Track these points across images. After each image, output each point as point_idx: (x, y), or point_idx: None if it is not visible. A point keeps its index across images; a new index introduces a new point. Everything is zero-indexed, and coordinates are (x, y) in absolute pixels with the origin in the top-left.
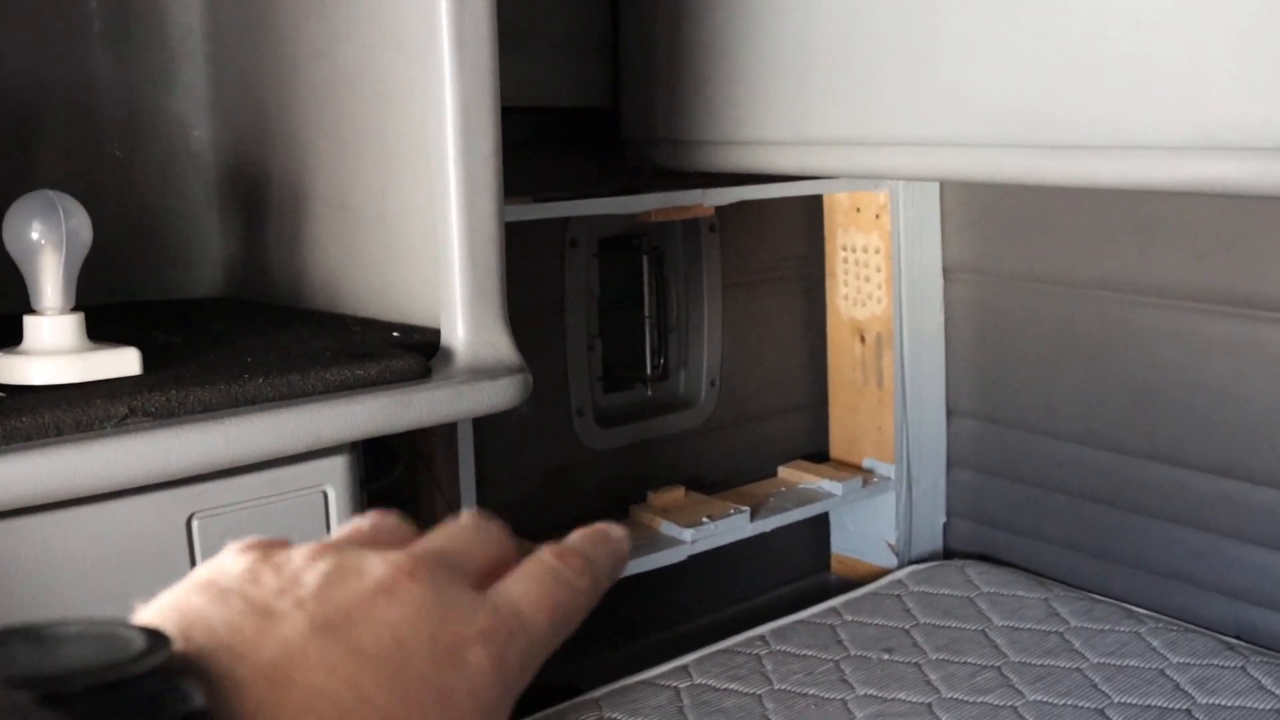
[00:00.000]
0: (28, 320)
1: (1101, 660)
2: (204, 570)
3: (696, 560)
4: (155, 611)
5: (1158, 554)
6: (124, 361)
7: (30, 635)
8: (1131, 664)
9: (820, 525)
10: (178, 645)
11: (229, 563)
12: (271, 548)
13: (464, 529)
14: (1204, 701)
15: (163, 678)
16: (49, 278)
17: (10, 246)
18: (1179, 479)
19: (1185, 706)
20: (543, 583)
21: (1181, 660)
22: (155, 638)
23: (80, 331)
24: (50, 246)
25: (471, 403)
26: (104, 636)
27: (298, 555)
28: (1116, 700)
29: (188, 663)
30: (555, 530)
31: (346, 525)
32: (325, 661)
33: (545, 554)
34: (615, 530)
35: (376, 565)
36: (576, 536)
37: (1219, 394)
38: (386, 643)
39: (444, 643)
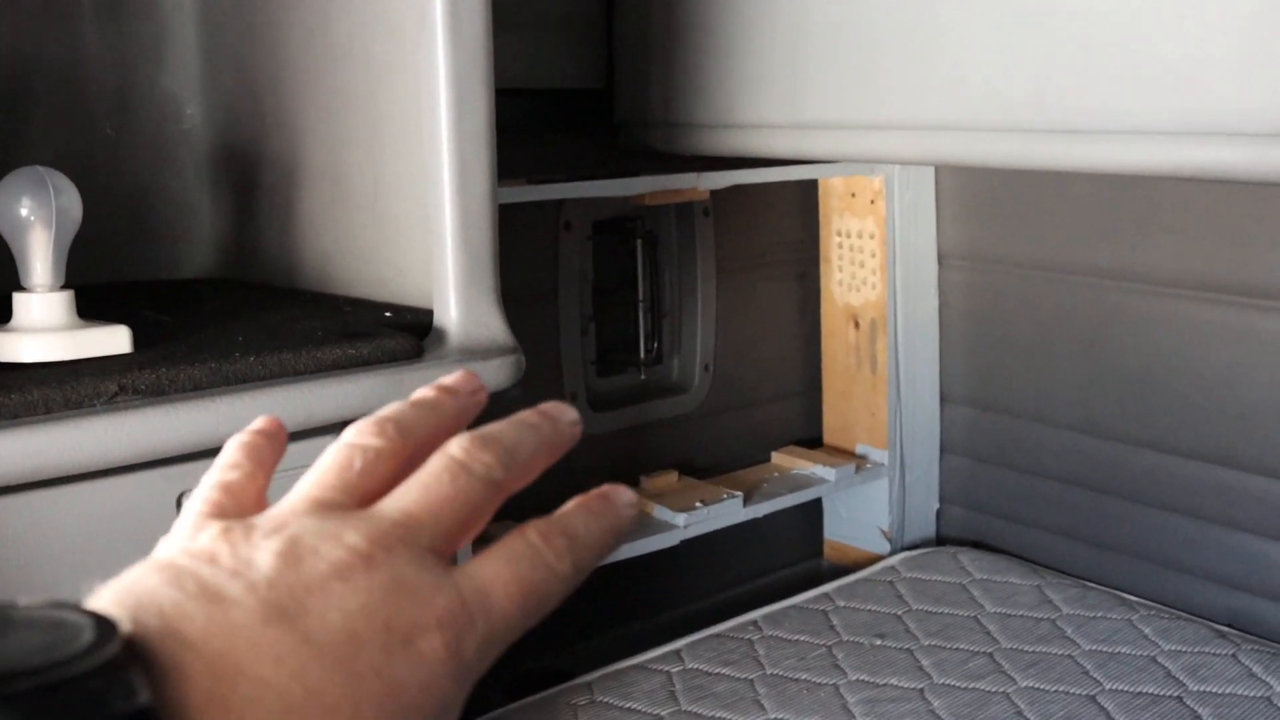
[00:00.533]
0: (17, 297)
1: (1093, 647)
2: (166, 544)
3: (689, 545)
4: (111, 592)
5: (1150, 541)
6: (114, 339)
7: None
8: (1123, 651)
9: (813, 511)
10: (126, 629)
11: (187, 533)
12: (234, 511)
13: (437, 474)
14: (1195, 689)
15: (109, 674)
16: (38, 254)
17: None
18: (1172, 467)
19: (1176, 694)
20: (519, 564)
21: (1173, 648)
22: (104, 627)
23: (70, 309)
24: (40, 223)
25: None
26: (52, 624)
27: (258, 529)
28: (1108, 687)
29: (135, 652)
30: (548, 513)
31: (342, 451)
32: (274, 652)
33: (530, 531)
34: (623, 494)
35: (333, 547)
36: (571, 508)
37: (1214, 382)
38: (338, 632)
39: (398, 631)
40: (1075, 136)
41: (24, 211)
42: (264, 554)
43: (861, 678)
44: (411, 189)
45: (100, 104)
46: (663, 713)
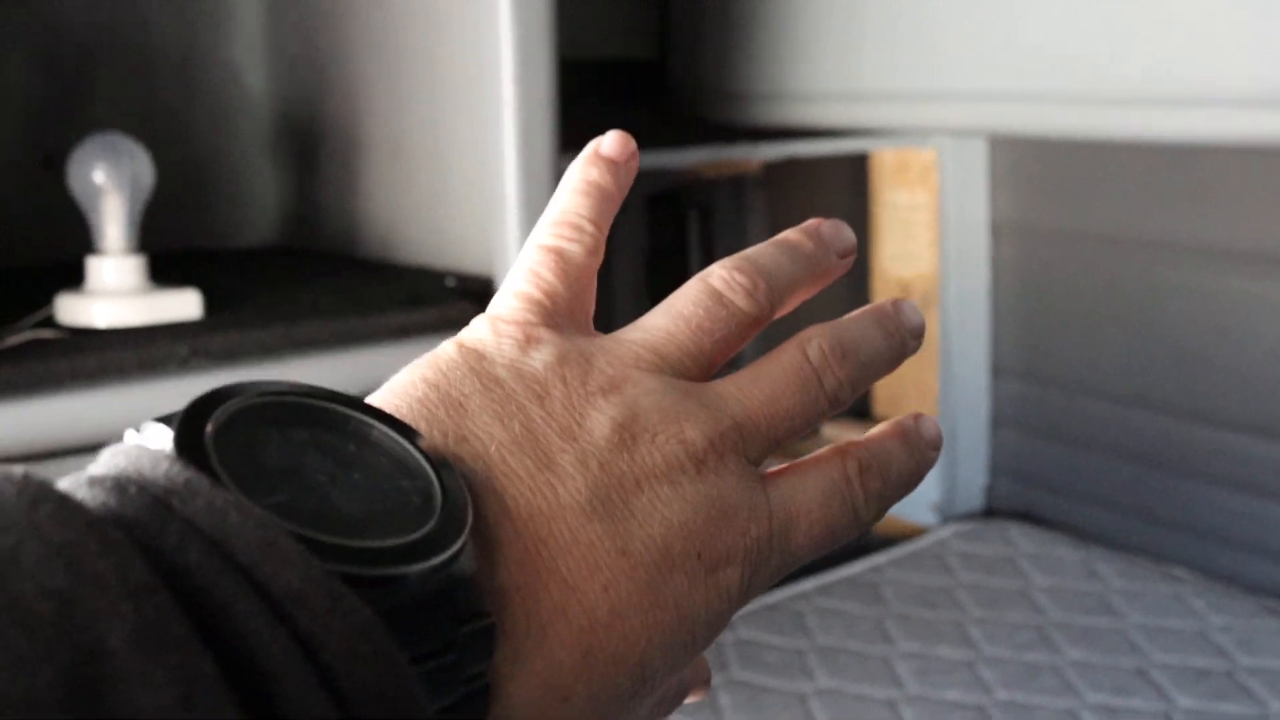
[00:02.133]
0: (90, 261)
1: (1143, 620)
2: (481, 332)
3: None
4: (430, 389)
5: (1201, 515)
6: (185, 304)
7: (290, 414)
8: (1173, 624)
9: None
10: (459, 484)
11: (507, 336)
12: (564, 296)
13: (787, 376)
14: (1246, 663)
15: (460, 566)
16: (112, 219)
17: (74, 188)
18: (1224, 440)
19: (1227, 668)
20: (829, 503)
21: (1224, 621)
22: (451, 490)
23: (143, 273)
24: (114, 189)
25: None
26: (396, 463)
27: (595, 373)
28: (1157, 660)
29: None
30: None
31: (708, 304)
32: (591, 556)
33: (850, 462)
34: (929, 428)
35: (672, 438)
36: (889, 438)
37: (1267, 355)
38: (655, 549)
39: (707, 559)
40: (1130, 106)
41: (98, 178)
42: (601, 419)
43: (911, 649)
44: (474, 156)
45: (165, 73)
46: (714, 680)
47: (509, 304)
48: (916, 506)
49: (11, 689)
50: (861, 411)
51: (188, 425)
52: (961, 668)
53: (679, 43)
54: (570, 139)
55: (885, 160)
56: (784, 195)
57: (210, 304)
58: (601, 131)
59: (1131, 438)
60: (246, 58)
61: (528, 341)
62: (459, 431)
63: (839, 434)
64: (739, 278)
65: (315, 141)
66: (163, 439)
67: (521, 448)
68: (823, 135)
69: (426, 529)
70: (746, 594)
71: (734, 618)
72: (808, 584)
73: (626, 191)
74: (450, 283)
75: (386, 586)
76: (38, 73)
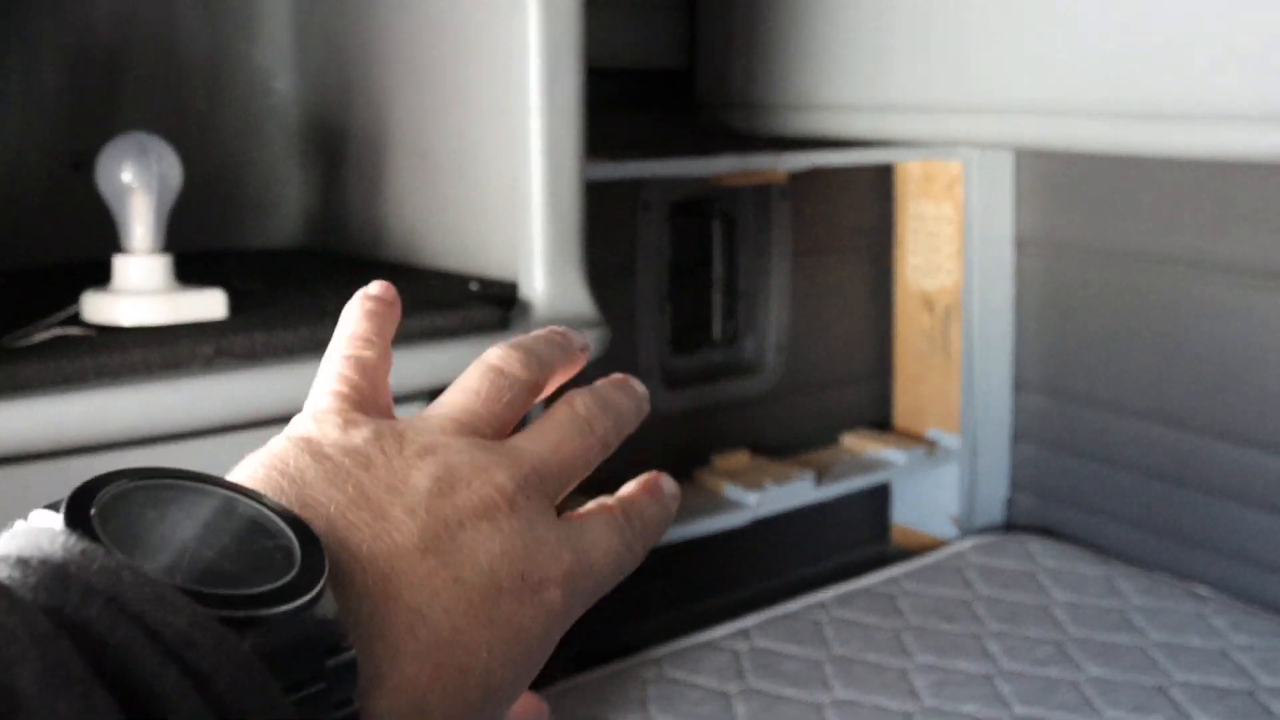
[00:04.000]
0: (117, 260)
1: (1163, 638)
2: (305, 425)
3: (757, 526)
4: (269, 471)
5: (1223, 534)
6: (210, 304)
7: (163, 494)
8: (1194, 643)
9: (880, 495)
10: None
11: (336, 422)
12: (369, 394)
13: (566, 426)
14: (1267, 683)
15: (322, 604)
16: (139, 219)
17: (102, 187)
18: (1247, 459)
19: (1248, 688)
20: (610, 536)
21: (1245, 641)
22: (307, 542)
23: (169, 273)
24: (142, 188)
25: None
26: (254, 524)
27: (409, 443)
28: (1178, 679)
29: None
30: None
31: (491, 377)
32: (430, 584)
33: (617, 508)
34: (668, 484)
35: (484, 483)
36: (638, 492)
37: None
38: (484, 574)
39: (530, 581)
40: (1157, 121)
41: (126, 177)
42: (421, 476)
43: (929, 661)
44: (499, 162)
45: (193, 76)
46: (730, 689)
47: (323, 401)
48: (935, 519)
49: None
50: (884, 424)
51: (75, 507)
52: (979, 681)
53: (707, 53)
54: (597, 146)
55: (911, 172)
56: (809, 206)
57: (235, 304)
58: (628, 139)
59: (1154, 454)
60: (274, 62)
61: (346, 425)
62: (302, 499)
63: (859, 443)
64: (512, 353)
65: (342, 145)
66: (53, 521)
67: (357, 505)
68: (849, 145)
69: (290, 577)
70: (569, 612)
71: (750, 626)
72: (826, 594)
73: (398, 321)
74: (474, 287)
75: (261, 627)
76: (67, 76)
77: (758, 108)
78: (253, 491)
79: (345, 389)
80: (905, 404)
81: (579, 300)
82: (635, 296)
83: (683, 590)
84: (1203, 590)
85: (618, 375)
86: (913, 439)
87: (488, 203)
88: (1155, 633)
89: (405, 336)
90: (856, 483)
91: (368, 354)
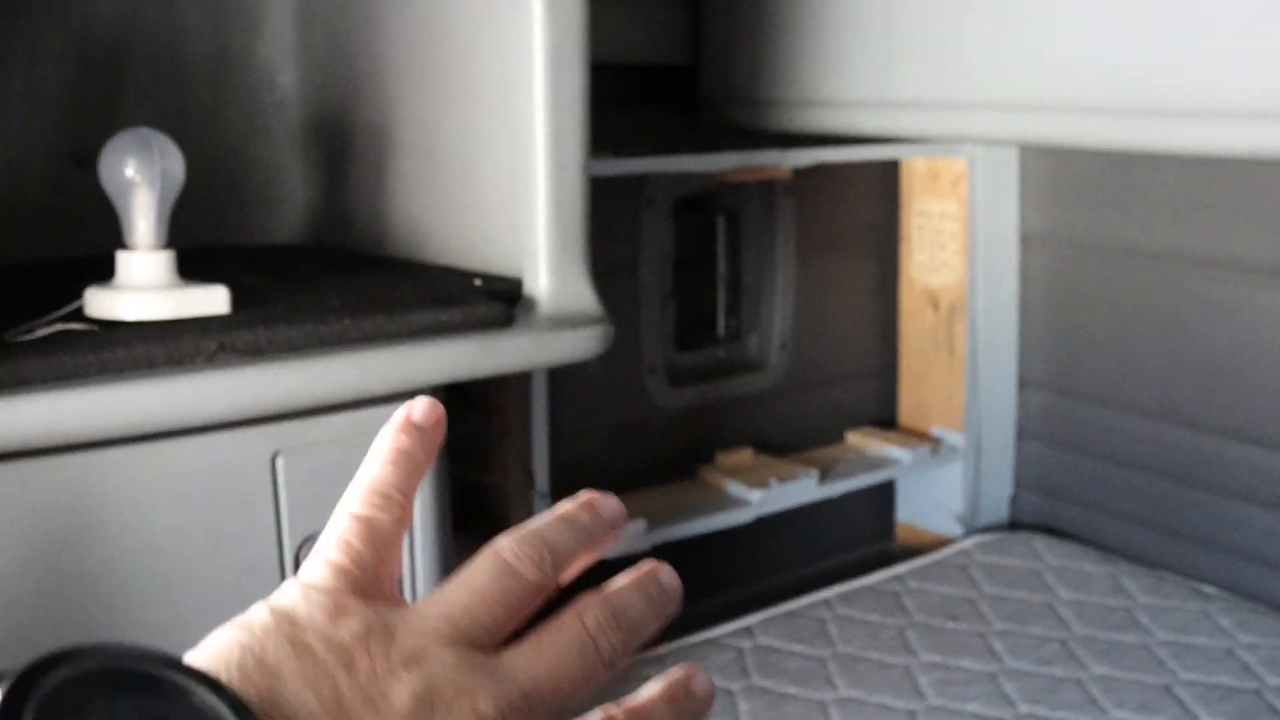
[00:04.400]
0: (120, 255)
1: (1169, 637)
2: (293, 600)
3: (760, 523)
4: (241, 652)
5: (1229, 532)
6: (213, 299)
7: (116, 681)
8: (1200, 642)
9: (884, 493)
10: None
11: (318, 605)
12: (372, 567)
13: (570, 647)
14: (1273, 682)
15: None
16: (142, 214)
17: (105, 182)
18: (1253, 457)
19: (1254, 687)
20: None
21: (1251, 640)
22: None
23: (171, 268)
24: (144, 183)
25: (553, 351)
26: (195, 710)
27: (398, 647)
28: (1183, 677)
29: None
30: (623, 488)
31: (500, 579)
32: None
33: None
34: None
35: (466, 710)
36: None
37: None
38: None
39: None
40: (1163, 118)
41: (129, 172)
42: (402, 691)
43: (933, 659)
44: (503, 157)
45: (196, 72)
46: (734, 687)
47: (320, 573)
48: (939, 516)
49: None
50: (888, 422)
51: (13, 697)
52: (984, 679)
53: (712, 49)
54: (601, 142)
55: (916, 169)
56: (813, 202)
57: (238, 300)
58: (632, 135)
59: (1159, 452)
60: (278, 57)
61: (337, 611)
62: (272, 697)
63: (863, 441)
64: (526, 549)
65: (345, 141)
66: None
67: (330, 715)
68: (853, 142)
69: None
70: None
71: (754, 624)
72: (830, 592)
73: (435, 455)
74: (478, 283)
75: None
76: (70, 72)
77: (762, 104)
78: (214, 681)
79: (346, 562)
80: (910, 401)
81: (583, 296)
82: (639, 293)
83: (686, 588)
84: (1208, 589)
85: (650, 563)
86: (917, 437)
87: (492, 199)
88: (1160, 631)
89: (408, 333)
90: (861, 480)
91: (381, 517)
